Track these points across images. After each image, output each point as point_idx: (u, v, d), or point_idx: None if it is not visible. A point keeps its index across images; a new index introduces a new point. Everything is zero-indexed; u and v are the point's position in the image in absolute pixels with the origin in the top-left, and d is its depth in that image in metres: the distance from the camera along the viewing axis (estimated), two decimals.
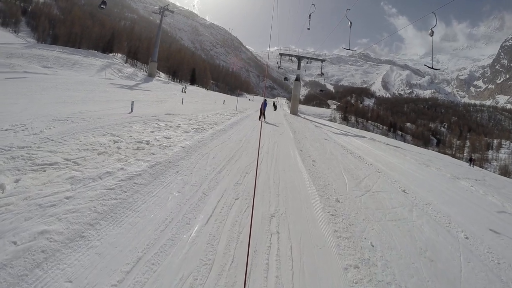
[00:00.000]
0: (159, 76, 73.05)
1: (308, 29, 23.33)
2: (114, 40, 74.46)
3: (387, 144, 20.20)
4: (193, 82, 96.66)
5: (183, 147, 7.20)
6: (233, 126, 12.64)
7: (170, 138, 7.89)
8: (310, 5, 20.19)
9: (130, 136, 7.12)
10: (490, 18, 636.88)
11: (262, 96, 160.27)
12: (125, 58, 69.45)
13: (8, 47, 40.23)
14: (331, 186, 6.06)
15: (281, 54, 34.74)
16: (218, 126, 11.57)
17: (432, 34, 14.24)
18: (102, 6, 23.02)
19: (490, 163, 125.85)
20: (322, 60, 34.65)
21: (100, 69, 46.63)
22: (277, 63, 34.97)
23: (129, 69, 56.89)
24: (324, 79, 39.75)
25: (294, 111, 34.44)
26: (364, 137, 20.99)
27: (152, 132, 8.23)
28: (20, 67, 27.94)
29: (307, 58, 34.94)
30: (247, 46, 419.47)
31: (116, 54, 70.01)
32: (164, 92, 29.74)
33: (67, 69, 39.60)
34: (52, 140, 5.47)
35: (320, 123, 28.14)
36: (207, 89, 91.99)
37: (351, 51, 21.21)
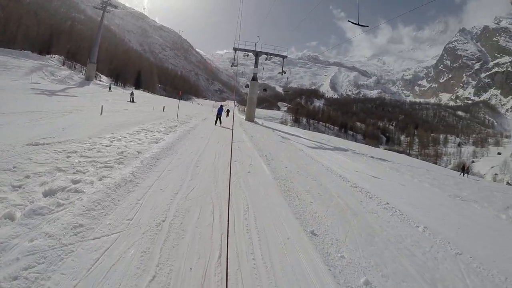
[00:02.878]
0: (100, 80, 64.36)
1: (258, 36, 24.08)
2: (53, 40, 64.29)
3: (380, 159, 16.36)
4: (138, 86, 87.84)
5: None
6: (159, 161, 6.99)
7: None
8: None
9: None
10: (435, 22, 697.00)
11: (211, 100, 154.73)
12: (63, 60, 60.03)
13: None
14: None
15: (235, 49, 28.95)
16: (120, 170, 6.00)
17: None
18: None
19: (440, 158, 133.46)
20: (284, 57, 30.01)
21: (29, 72, 38.64)
22: (232, 62, 29.95)
23: (65, 72, 48.56)
24: (288, 78, 35.40)
25: (250, 118, 29.47)
26: (345, 150, 16.93)
27: None
28: None
29: (267, 53, 29.58)
30: (197, 49, 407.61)
31: (54, 55, 60.58)
32: (92, 99, 23.18)
33: None
34: None
35: (284, 132, 23.73)
36: (153, 94, 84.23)
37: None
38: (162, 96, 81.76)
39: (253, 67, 29.56)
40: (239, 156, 9.13)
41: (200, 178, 6.07)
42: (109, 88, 36.57)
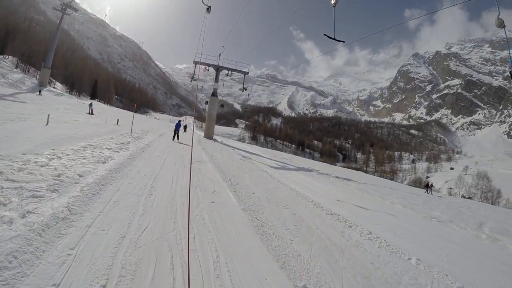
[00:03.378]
0: (54, 87, 59.83)
1: (220, 54, 26.50)
2: (8, 40, 59.15)
3: (346, 178, 16.50)
4: (94, 96, 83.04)
5: None
6: (104, 188, 6.02)
7: None
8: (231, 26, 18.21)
9: None
10: (390, 46, 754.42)
11: (169, 114, 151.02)
12: (16, 62, 55.01)
13: None
14: None
15: (195, 63, 27.92)
16: (52, 201, 5.09)
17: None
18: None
19: (396, 175, 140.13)
20: (245, 73, 29.70)
21: None
22: (191, 76, 29.26)
23: (17, 75, 44.90)
24: (248, 95, 35.45)
25: (209, 135, 28.43)
26: (309, 170, 16.91)
27: None
28: None
29: (228, 69, 29.03)
30: (156, 62, 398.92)
31: (7, 56, 55.44)
32: (43, 107, 21.03)
33: None
34: None
35: (244, 150, 23.33)
36: (109, 105, 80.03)
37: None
38: (118, 108, 77.88)
39: (213, 82, 28.99)
40: (200, 180, 8.41)
41: (154, 213, 5.15)
42: (39, 92, 33.56)
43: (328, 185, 13.20)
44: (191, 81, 29.26)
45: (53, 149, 7.79)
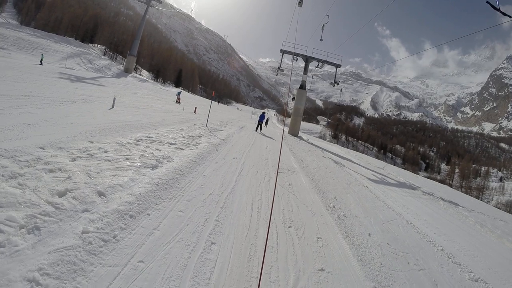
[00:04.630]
0: (140, 74, 64.13)
1: (321, 40, 22.92)
2: (97, 30, 65.71)
3: (452, 202, 11.76)
4: (178, 84, 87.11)
5: None
6: (132, 227, 3.43)
7: None
8: (324, 16, 20.45)
9: None
10: (482, 47, 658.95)
11: (251, 106, 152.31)
12: (104, 50, 60.86)
13: None
14: None
15: (283, 52, 24.37)
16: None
17: None
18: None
19: (482, 193, 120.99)
20: (338, 65, 25.16)
21: (67, 57, 39.06)
22: (277, 69, 26.18)
23: (104, 62, 48.23)
24: (341, 90, 31.38)
25: (294, 131, 24.86)
26: (413, 189, 12.45)
27: None
28: None
29: (318, 60, 24.71)
30: (240, 55, 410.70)
31: (96, 45, 61.94)
32: (120, 91, 20.69)
33: (25, 52, 33.56)
34: None
35: (333, 153, 19.54)
36: (193, 94, 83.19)
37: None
38: (202, 97, 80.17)
39: (302, 74, 25.39)
40: (294, 209, 5.17)
41: None
42: (41, 62, 28.58)
43: (444, 214, 9.01)
44: (276, 74, 26.05)
45: (91, 142, 5.47)
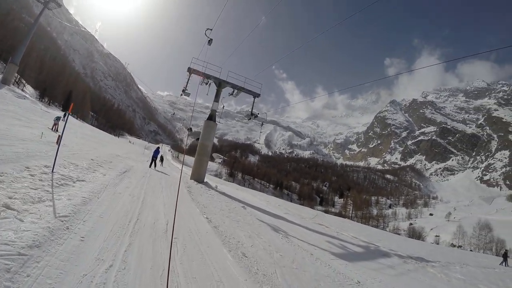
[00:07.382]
0: (23, 89, 51.08)
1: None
2: None
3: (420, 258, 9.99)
4: (66, 107, 73.36)
5: None
6: None
7: None
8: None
9: None
10: (368, 93, 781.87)
11: (144, 140, 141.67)
12: None
13: None
14: None
15: (190, 71, 19.49)
16: None
17: None
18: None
19: (377, 221, 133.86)
20: (256, 95, 21.54)
21: None
22: (182, 89, 21.04)
23: None
24: (262, 124, 26.79)
25: (199, 176, 19.09)
26: (387, 255, 10.53)
27: None
28: None
29: (234, 86, 20.80)
30: (139, 85, 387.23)
31: None
32: None
33: None
34: None
35: (255, 207, 16.89)
36: (82, 121, 71.72)
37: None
38: (91, 126, 69.30)
39: (213, 101, 20.79)
40: None
41: None
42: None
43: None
44: (182, 92, 19.78)
45: None
